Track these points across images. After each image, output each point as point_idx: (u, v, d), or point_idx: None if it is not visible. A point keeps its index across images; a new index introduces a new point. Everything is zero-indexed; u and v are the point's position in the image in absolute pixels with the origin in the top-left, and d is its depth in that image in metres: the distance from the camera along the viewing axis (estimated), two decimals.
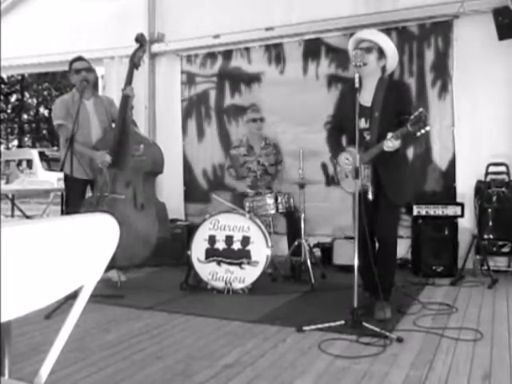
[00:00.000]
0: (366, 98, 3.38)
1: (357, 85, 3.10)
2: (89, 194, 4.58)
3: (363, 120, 3.34)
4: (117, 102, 4.67)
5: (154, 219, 4.31)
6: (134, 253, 4.15)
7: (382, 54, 3.39)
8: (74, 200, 4.36)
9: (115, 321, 3.39)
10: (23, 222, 0.97)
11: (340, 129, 3.61)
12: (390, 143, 3.15)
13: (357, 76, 3.13)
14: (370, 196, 3.29)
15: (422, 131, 3.02)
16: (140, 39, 4.48)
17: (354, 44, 3.45)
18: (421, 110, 3.05)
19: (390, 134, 3.16)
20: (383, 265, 3.38)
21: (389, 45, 3.41)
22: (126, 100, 4.38)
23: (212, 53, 6.01)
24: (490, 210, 4.61)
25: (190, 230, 5.03)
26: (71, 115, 4.24)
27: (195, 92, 6.13)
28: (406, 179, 3.53)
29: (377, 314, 3.27)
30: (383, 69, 3.45)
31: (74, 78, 4.44)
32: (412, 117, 3.04)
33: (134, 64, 4.45)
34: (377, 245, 3.50)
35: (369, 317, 3.16)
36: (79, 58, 4.49)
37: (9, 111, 29.17)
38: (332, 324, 3.06)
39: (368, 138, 3.35)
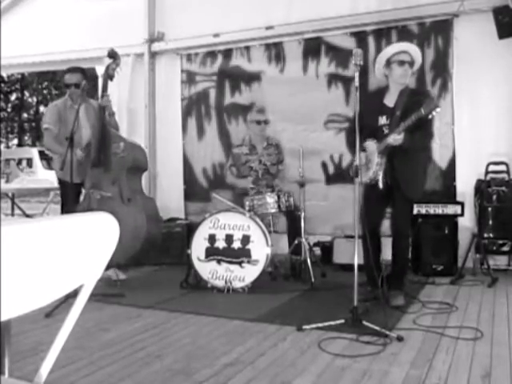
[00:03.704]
0: (390, 99, 3.74)
1: (356, 84, 3.20)
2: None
3: (384, 117, 3.71)
4: (117, 101, 4.72)
5: (142, 211, 4.42)
6: (124, 247, 4.16)
7: (412, 64, 3.76)
8: (68, 204, 4.58)
9: (115, 320, 3.39)
10: (23, 221, 0.97)
11: (360, 127, 3.78)
12: (392, 137, 3.52)
13: (356, 75, 3.21)
14: (381, 185, 3.61)
15: (434, 113, 3.38)
16: (112, 55, 4.69)
17: (389, 54, 3.72)
18: (434, 95, 3.45)
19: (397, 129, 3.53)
20: (397, 255, 3.72)
21: (419, 55, 3.79)
22: (103, 110, 4.56)
23: (212, 51, 6.00)
24: (490, 209, 4.61)
25: (190, 228, 5.02)
26: (62, 121, 4.54)
27: (195, 91, 6.12)
28: (420, 174, 3.83)
29: (392, 302, 3.57)
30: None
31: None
32: (426, 100, 3.42)
33: (109, 75, 4.67)
34: (382, 239, 3.85)
35: (368, 315, 3.16)
36: (70, 70, 4.73)
37: (9, 110, 29.17)
38: (332, 323, 3.06)
39: (386, 132, 3.67)
